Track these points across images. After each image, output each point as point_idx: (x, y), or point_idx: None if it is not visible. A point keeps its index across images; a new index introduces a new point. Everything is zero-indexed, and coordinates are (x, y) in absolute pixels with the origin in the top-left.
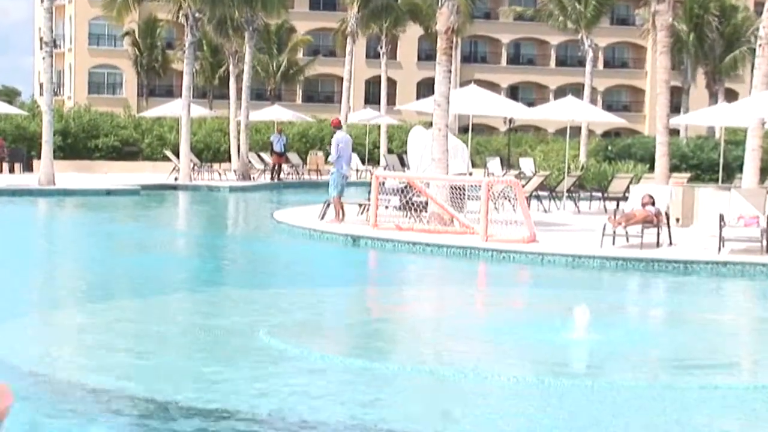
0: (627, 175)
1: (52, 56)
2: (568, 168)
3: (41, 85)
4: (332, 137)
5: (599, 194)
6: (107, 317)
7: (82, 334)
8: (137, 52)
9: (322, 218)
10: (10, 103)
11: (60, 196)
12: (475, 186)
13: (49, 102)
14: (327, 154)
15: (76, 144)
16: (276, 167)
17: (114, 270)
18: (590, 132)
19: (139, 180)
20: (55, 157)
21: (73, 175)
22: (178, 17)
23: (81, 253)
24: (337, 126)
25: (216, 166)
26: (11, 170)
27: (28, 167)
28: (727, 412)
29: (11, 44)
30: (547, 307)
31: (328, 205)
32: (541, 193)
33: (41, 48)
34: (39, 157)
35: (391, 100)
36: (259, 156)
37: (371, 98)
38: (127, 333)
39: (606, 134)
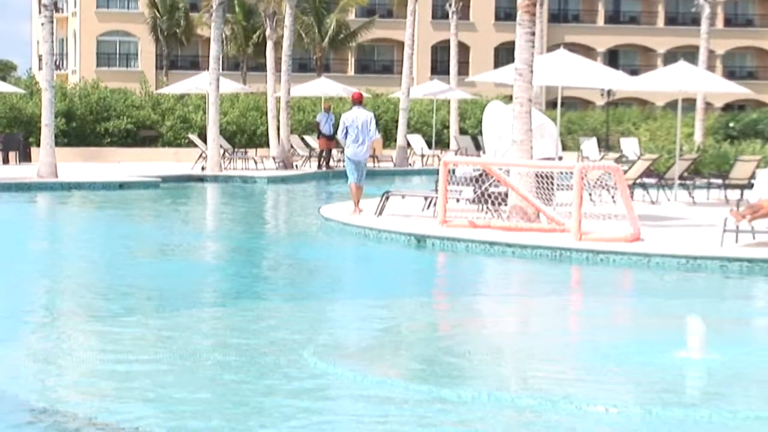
0: (753, 158)
1: (52, 22)
2: (681, 149)
3: (40, 57)
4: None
5: (719, 181)
6: (123, 336)
7: (94, 356)
8: (155, 15)
9: (380, 214)
10: (4, 79)
11: (64, 190)
12: (566, 173)
13: (50, 77)
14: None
15: (82, 128)
16: (324, 153)
17: (130, 280)
18: (707, 105)
19: (159, 170)
20: (57, 144)
21: (79, 165)
22: None
23: (90, 259)
24: (356, 101)
25: (251, 152)
26: (5, 160)
27: (26, 156)
28: None
29: (5, 8)
30: (655, 320)
31: (387, 198)
32: (647, 180)
33: (40, 12)
34: (38, 144)
35: (463, 70)
36: (302, 140)
37: (439, 68)
38: (147, 355)
39: (727, 107)
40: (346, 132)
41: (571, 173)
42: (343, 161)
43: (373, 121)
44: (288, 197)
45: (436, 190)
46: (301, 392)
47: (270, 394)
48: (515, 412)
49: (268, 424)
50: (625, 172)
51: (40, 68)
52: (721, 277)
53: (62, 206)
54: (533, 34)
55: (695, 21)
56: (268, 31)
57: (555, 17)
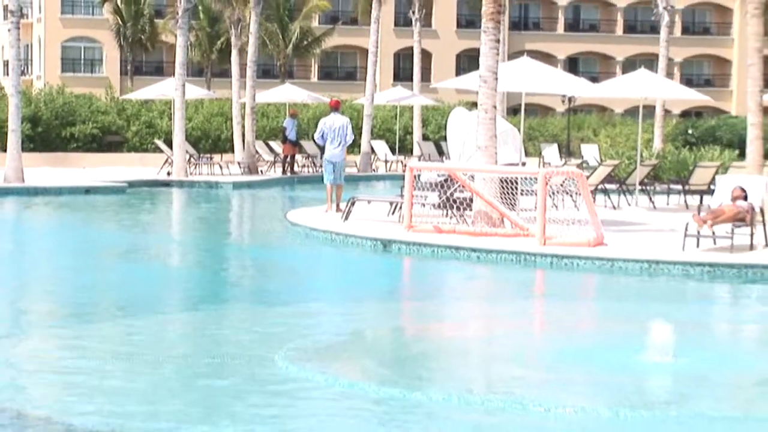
0: (712, 164)
1: (18, 27)
2: (641, 155)
3: (5, 63)
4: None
5: (679, 187)
6: (88, 343)
7: (58, 364)
8: (120, 22)
9: (346, 219)
10: None
11: (29, 195)
12: (530, 178)
13: (16, 83)
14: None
15: (47, 133)
16: (288, 158)
17: (96, 285)
18: (666, 112)
19: (125, 175)
20: (23, 149)
21: (45, 170)
22: None
23: (56, 264)
24: (334, 108)
25: (216, 157)
26: None
27: None
28: None
29: None
30: (620, 324)
31: (353, 203)
32: (608, 186)
33: (5, 18)
34: (4, 150)
35: (426, 77)
36: (267, 145)
37: (402, 75)
38: (114, 362)
39: (685, 114)
40: (323, 135)
41: (535, 179)
42: (308, 166)
43: (350, 126)
44: (254, 202)
45: (402, 196)
46: (273, 396)
47: (242, 398)
48: (485, 414)
49: (240, 428)
50: (588, 177)
51: (5, 74)
52: (683, 281)
53: (28, 211)
54: (498, 41)
55: (653, 29)
56: (232, 38)
57: (516, 25)
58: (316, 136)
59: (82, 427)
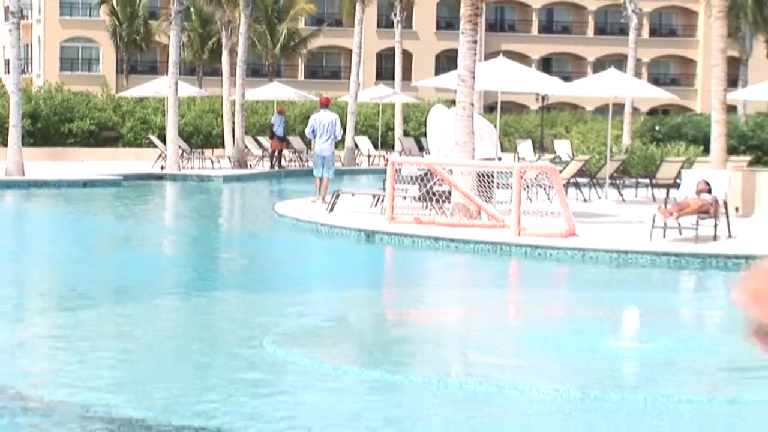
0: (678, 159)
1: (19, 28)
2: (611, 151)
3: (7, 62)
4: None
5: (646, 181)
6: (85, 327)
7: (58, 346)
8: (116, 23)
9: (331, 210)
10: None
11: (30, 188)
12: (506, 173)
13: (17, 81)
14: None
15: (47, 128)
16: (276, 153)
17: (93, 272)
18: (635, 110)
19: (120, 169)
20: (23, 144)
21: (44, 164)
22: None
23: (55, 253)
24: (324, 105)
25: (208, 152)
26: None
27: None
28: None
29: None
30: (590, 310)
31: (338, 196)
32: (580, 180)
33: (7, 19)
34: (5, 144)
35: (407, 76)
36: (256, 140)
37: (384, 74)
38: (110, 345)
39: (653, 112)
40: (314, 131)
41: (511, 173)
42: (294, 161)
43: (338, 122)
44: (243, 195)
45: (384, 189)
46: (261, 378)
47: (231, 381)
48: (463, 396)
49: (229, 409)
50: (560, 172)
51: (6, 72)
52: (650, 271)
53: (29, 203)
54: (475, 42)
55: (623, 31)
56: (223, 39)
57: (492, 26)
58: (307, 131)
59: (78, 406)
